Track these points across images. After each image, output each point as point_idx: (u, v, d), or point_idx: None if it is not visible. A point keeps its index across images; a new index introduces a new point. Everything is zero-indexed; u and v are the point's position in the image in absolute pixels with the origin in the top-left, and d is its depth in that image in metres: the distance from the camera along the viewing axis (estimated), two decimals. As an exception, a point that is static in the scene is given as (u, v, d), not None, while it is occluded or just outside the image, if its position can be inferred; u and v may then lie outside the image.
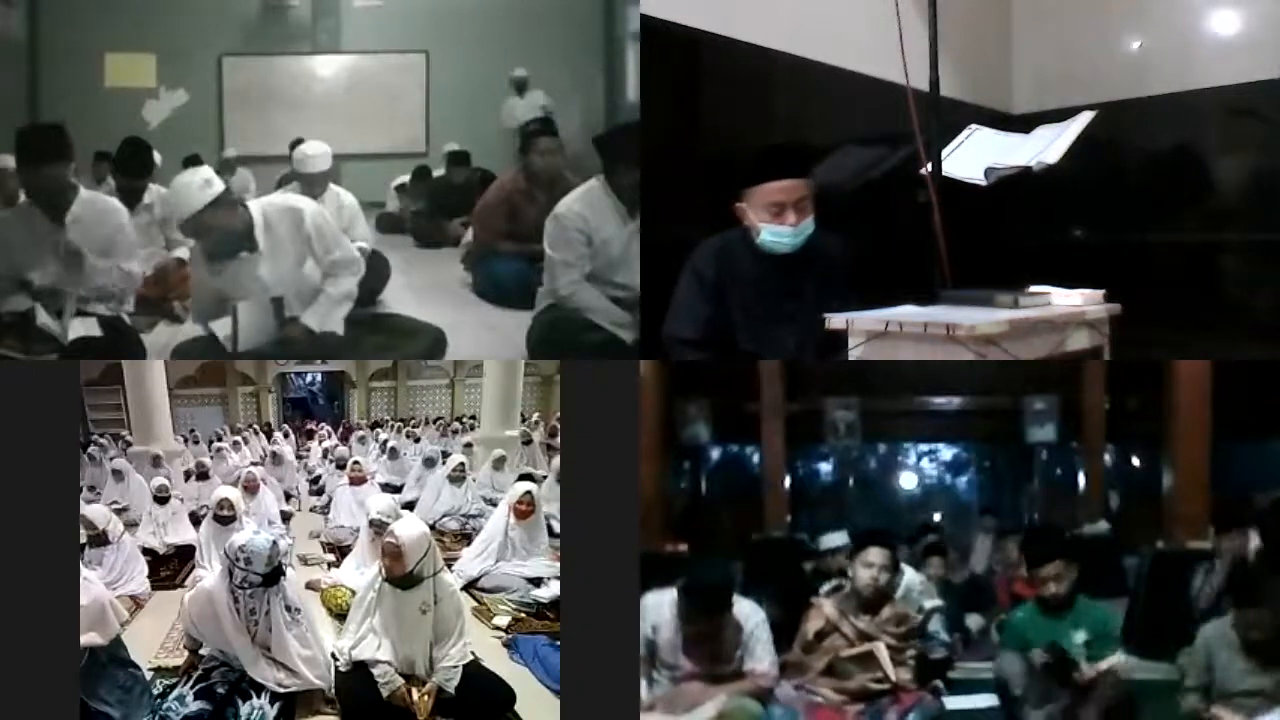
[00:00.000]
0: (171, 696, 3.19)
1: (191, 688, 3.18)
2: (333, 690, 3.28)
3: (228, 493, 5.06)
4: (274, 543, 3.27)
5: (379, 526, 4.26)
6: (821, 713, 3.16)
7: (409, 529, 3.34)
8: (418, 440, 9.05)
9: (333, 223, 4.21)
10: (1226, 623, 3.06)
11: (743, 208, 3.56)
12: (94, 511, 4.59)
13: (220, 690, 3.17)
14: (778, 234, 3.50)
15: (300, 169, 5.56)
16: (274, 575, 3.24)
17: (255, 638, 3.22)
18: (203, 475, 6.79)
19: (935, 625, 3.83)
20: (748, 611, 3.23)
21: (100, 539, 4.49)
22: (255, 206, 3.99)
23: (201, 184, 3.79)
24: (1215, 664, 3.02)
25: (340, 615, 4.00)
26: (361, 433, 9.91)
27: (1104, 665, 3.10)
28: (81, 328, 3.97)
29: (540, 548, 4.76)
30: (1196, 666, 3.06)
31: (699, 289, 3.58)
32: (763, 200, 3.50)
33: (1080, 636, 3.16)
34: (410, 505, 6.52)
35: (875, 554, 3.30)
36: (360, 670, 3.27)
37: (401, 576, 3.29)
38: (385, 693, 3.19)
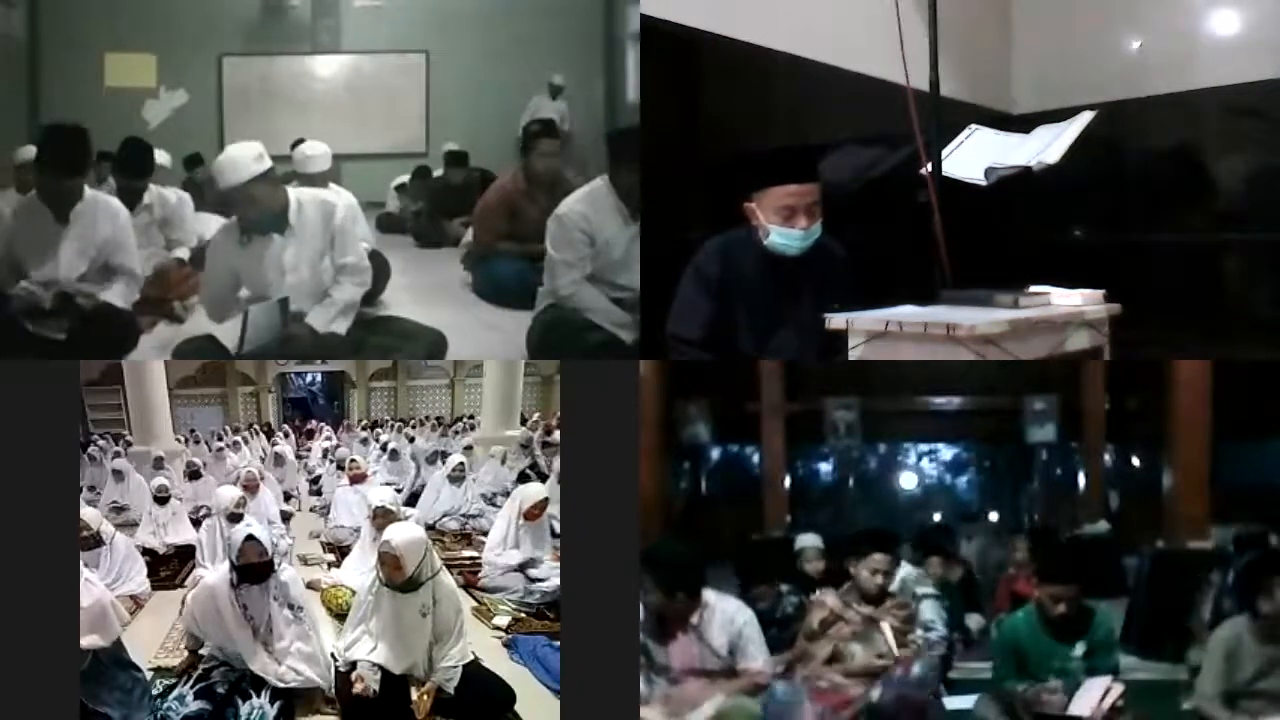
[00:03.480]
0: (171, 696, 3.20)
1: (191, 687, 3.20)
2: (333, 690, 3.28)
3: (238, 492, 5.08)
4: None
5: (382, 515, 4.27)
6: (823, 695, 3.16)
7: (404, 535, 3.33)
8: (412, 440, 9.05)
9: (355, 228, 4.27)
10: (1241, 623, 3.03)
11: (752, 208, 3.53)
12: (86, 513, 4.56)
13: (220, 690, 3.18)
14: (788, 237, 3.48)
15: (300, 169, 5.56)
16: (265, 566, 3.26)
17: (257, 633, 3.23)
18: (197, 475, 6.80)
19: (930, 614, 3.83)
20: (733, 611, 3.21)
21: (93, 540, 4.47)
22: (291, 192, 4.07)
23: (256, 156, 3.88)
24: (1237, 666, 2.97)
25: (340, 615, 4.01)
26: (363, 434, 9.91)
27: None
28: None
29: (545, 549, 4.77)
30: (1214, 670, 3.01)
31: (703, 288, 3.55)
32: (774, 203, 3.47)
33: (1079, 650, 3.15)
34: (410, 501, 6.55)
35: (879, 560, 3.34)
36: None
37: (401, 582, 3.29)
38: (357, 688, 3.16)
